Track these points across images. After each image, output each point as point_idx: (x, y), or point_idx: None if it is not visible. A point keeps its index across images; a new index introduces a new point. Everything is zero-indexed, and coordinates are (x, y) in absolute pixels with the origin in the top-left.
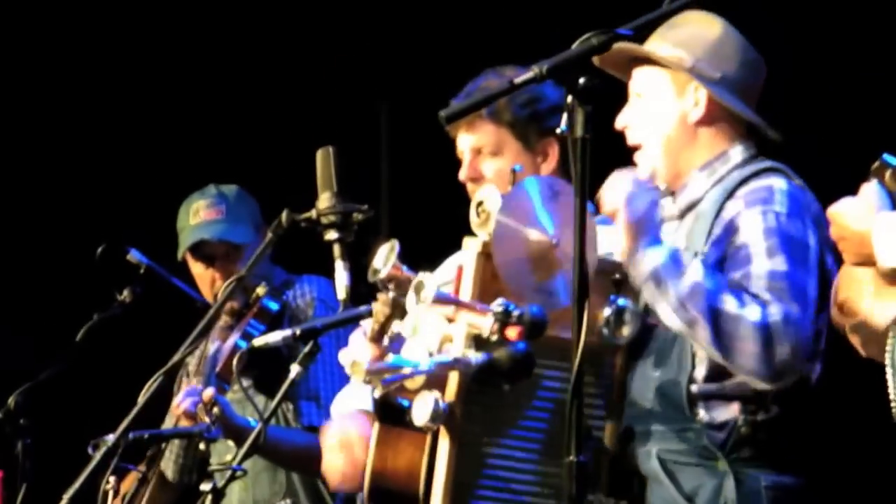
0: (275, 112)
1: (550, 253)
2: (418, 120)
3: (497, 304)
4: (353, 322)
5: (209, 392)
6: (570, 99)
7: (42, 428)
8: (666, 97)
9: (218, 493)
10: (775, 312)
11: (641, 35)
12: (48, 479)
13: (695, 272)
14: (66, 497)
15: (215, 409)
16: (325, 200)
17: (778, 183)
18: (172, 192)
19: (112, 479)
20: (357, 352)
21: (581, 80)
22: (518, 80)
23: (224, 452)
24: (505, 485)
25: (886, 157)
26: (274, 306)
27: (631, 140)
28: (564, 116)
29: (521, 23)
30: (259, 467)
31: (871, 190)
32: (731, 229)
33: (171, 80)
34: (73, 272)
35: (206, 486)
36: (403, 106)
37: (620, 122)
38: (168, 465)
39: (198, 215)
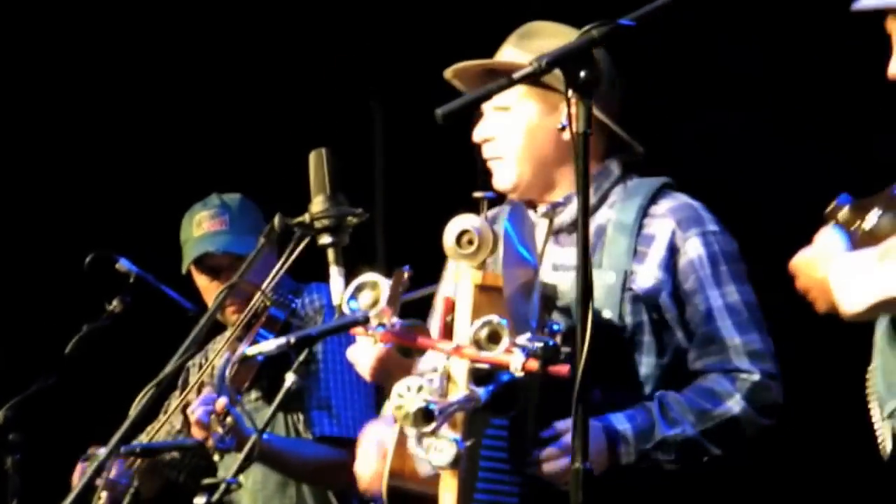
0: (267, 113)
1: (534, 280)
2: (413, 120)
3: (526, 339)
4: (349, 328)
5: (222, 402)
6: (570, 93)
7: (32, 442)
8: (537, 111)
9: None
10: (751, 385)
11: (643, 27)
12: (39, 494)
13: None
14: None
15: (228, 419)
16: (318, 204)
17: (690, 200)
18: (163, 198)
19: (104, 494)
20: (362, 353)
21: (582, 74)
22: (517, 74)
23: (231, 466)
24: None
25: (840, 198)
26: (282, 315)
27: (492, 153)
28: (564, 111)
29: (515, 20)
30: (269, 480)
31: (826, 234)
32: (673, 249)
33: (161, 82)
34: (61, 282)
35: (199, 501)
36: (398, 106)
37: (479, 135)
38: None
39: (201, 227)
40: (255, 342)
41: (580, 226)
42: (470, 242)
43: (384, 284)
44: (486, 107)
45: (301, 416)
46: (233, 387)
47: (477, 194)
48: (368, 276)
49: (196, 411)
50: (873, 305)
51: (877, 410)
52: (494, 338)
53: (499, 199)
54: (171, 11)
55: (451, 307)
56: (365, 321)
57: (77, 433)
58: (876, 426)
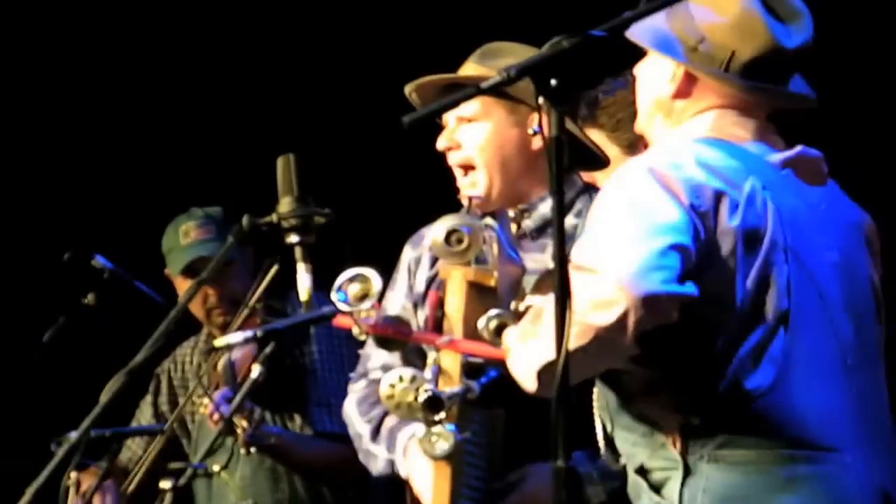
0: (239, 114)
1: (521, 278)
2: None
3: None
4: (316, 324)
5: (238, 398)
6: (541, 100)
7: (5, 429)
8: (504, 123)
9: (179, 492)
10: None
11: (614, 37)
12: (11, 482)
13: None
14: (29, 492)
15: (256, 414)
16: (285, 205)
17: None
18: (136, 197)
19: (74, 474)
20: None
21: (552, 82)
22: (485, 84)
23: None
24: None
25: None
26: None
27: (458, 160)
28: (535, 118)
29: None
30: (258, 475)
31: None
32: None
33: (133, 82)
34: (38, 277)
35: (166, 484)
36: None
37: (444, 144)
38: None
39: (188, 235)
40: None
41: (555, 227)
42: (459, 241)
43: (374, 278)
44: (449, 117)
45: (296, 416)
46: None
47: (464, 195)
48: (361, 270)
49: (220, 408)
50: (539, 374)
51: (600, 430)
52: (501, 330)
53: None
54: (147, 17)
55: (439, 303)
56: (332, 316)
57: (49, 421)
58: (600, 441)
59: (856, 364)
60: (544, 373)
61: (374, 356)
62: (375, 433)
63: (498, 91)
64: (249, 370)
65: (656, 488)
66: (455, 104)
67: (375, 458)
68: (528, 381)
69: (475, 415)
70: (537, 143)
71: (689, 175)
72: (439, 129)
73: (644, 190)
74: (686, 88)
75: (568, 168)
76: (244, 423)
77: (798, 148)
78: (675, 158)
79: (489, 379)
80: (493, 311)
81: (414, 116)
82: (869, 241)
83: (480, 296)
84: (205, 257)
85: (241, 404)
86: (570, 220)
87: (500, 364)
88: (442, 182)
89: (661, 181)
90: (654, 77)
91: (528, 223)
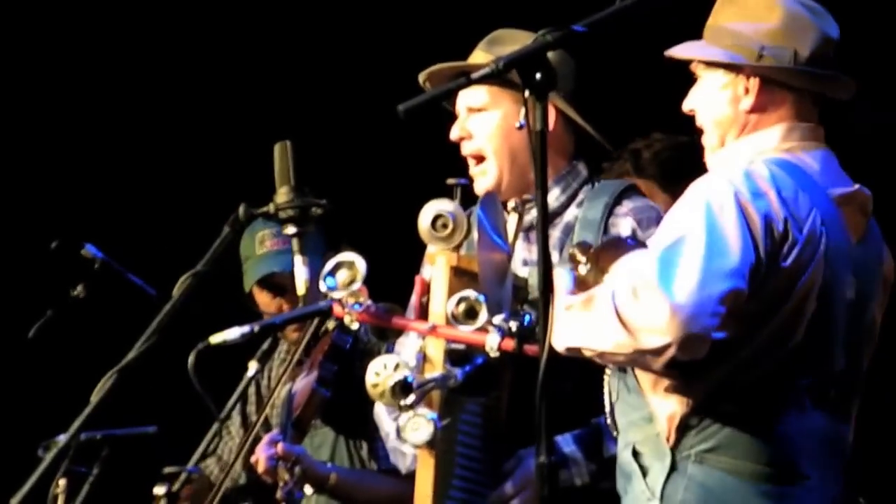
0: (231, 104)
1: (507, 265)
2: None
3: (502, 319)
4: (313, 317)
5: (281, 447)
6: (526, 94)
7: None
8: (511, 112)
9: (172, 498)
10: None
11: (596, 32)
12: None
13: None
14: (14, 500)
15: (297, 469)
16: (282, 195)
17: (651, 203)
18: (128, 184)
19: (62, 481)
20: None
21: (537, 76)
22: (475, 74)
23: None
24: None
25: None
26: (346, 341)
27: (470, 150)
28: (522, 111)
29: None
30: None
31: (559, 272)
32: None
33: (123, 69)
34: (25, 268)
35: (159, 490)
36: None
37: (456, 134)
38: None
39: (264, 245)
40: (322, 378)
41: (539, 220)
42: (444, 226)
43: (361, 264)
44: (461, 108)
45: (364, 444)
46: (298, 424)
47: (451, 181)
48: (346, 255)
49: (261, 458)
50: (567, 349)
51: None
52: (471, 313)
53: (471, 185)
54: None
55: (426, 288)
56: (329, 311)
57: (37, 420)
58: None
59: (837, 396)
60: (573, 350)
61: (404, 352)
62: None
63: (502, 80)
64: (306, 406)
65: (643, 474)
66: (447, 94)
67: (404, 456)
68: (557, 344)
69: (468, 403)
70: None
71: (766, 208)
72: (434, 118)
73: (727, 217)
74: (762, 100)
75: (573, 156)
76: (285, 477)
77: (855, 186)
78: (758, 184)
79: (474, 367)
80: (461, 294)
81: (409, 105)
82: (886, 282)
83: (465, 281)
84: (276, 272)
85: (289, 455)
86: (572, 212)
87: (483, 351)
88: (439, 171)
89: (743, 211)
90: (722, 97)
91: (535, 214)
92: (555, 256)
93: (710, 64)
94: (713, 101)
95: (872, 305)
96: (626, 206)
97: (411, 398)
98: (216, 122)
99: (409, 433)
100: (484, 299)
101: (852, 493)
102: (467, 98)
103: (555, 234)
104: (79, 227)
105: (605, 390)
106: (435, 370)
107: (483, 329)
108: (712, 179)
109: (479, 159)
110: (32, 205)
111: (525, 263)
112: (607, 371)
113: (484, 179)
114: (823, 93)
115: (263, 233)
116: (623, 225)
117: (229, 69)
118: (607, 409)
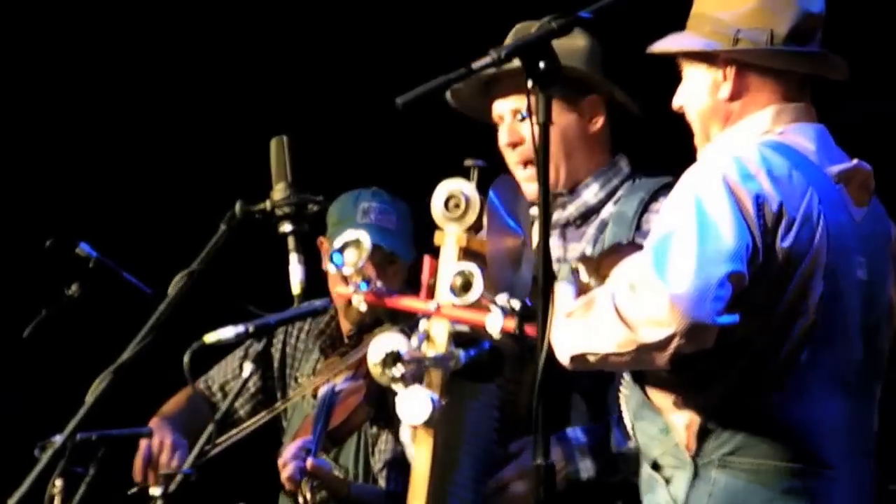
0: (226, 100)
1: (521, 250)
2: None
3: (504, 299)
4: (308, 317)
5: (311, 462)
6: (529, 83)
7: None
8: (560, 110)
9: (169, 499)
10: None
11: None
12: None
13: None
14: (11, 501)
15: (322, 494)
16: (279, 191)
17: None
18: (123, 181)
19: (59, 482)
20: None
21: (541, 64)
22: (475, 64)
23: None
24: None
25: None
26: None
27: (525, 156)
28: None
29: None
30: None
31: (560, 284)
32: None
33: (118, 66)
34: (20, 267)
35: (156, 492)
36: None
37: (509, 139)
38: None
39: (367, 216)
40: (370, 398)
41: (540, 213)
42: (457, 206)
43: (365, 239)
44: (505, 111)
45: (371, 446)
46: (334, 435)
47: (468, 162)
48: (352, 234)
49: (290, 466)
50: (572, 360)
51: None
52: (468, 286)
53: (489, 167)
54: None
55: (435, 269)
56: (324, 311)
57: (32, 420)
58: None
59: (858, 383)
60: (578, 359)
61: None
62: None
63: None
64: (348, 420)
65: (666, 482)
66: (445, 86)
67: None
68: (561, 356)
69: (481, 391)
70: (595, 125)
71: (758, 188)
72: (432, 110)
73: (716, 202)
74: (740, 87)
75: (613, 150)
76: (307, 495)
77: (854, 161)
78: (747, 166)
79: (479, 350)
80: (459, 266)
81: (408, 97)
82: (894, 255)
83: (475, 263)
84: (377, 247)
85: (318, 472)
86: (609, 208)
87: (489, 334)
88: (437, 167)
89: (733, 194)
90: (702, 88)
91: (571, 210)
92: (588, 250)
93: (689, 55)
94: (695, 93)
95: (888, 285)
96: (662, 202)
97: (399, 368)
98: (211, 119)
99: (403, 408)
100: (480, 271)
101: (882, 480)
102: (513, 102)
103: (589, 230)
104: (73, 225)
105: (623, 407)
106: (437, 351)
107: (485, 308)
108: (699, 169)
109: (528, 163)
110: (26, 203)
111: (557, 261)
112: (623, 389)
113: (532, 184)
114: (812, 73)
115: (370, 204)
116: (655, 221)
117: (224, 65)
118: (629, 427)
